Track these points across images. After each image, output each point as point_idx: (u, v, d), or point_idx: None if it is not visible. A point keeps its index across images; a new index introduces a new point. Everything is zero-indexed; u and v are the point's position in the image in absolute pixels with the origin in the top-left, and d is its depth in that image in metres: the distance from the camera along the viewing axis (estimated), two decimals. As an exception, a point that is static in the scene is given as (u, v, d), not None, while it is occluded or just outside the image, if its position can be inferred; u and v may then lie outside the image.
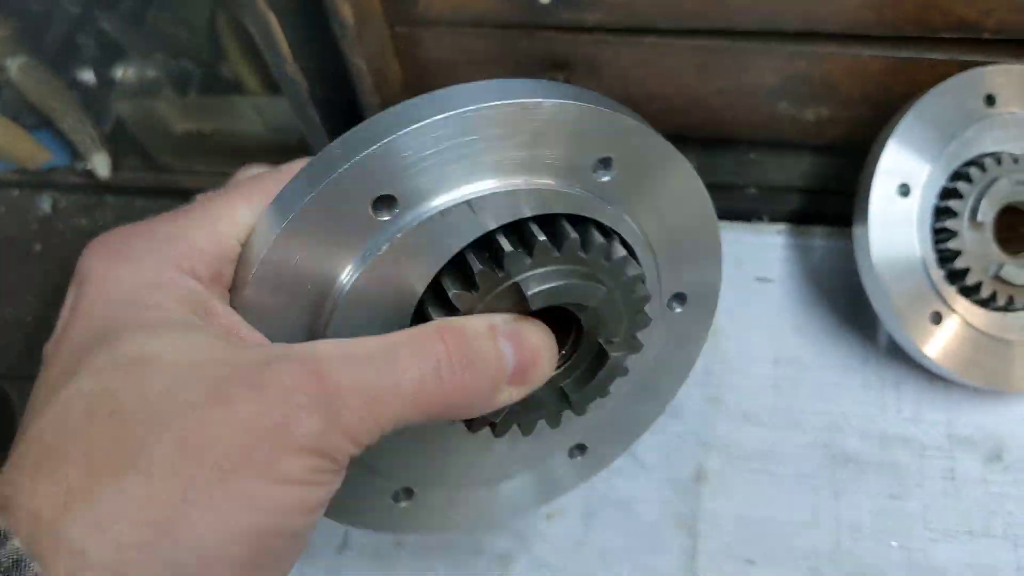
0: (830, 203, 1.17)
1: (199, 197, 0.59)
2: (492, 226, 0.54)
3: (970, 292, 0.95)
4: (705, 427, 1.02)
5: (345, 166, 0.50)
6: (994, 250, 0.94)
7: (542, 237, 0.54)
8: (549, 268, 0.53)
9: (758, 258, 1.15)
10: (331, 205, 0.51)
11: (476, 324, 0.50)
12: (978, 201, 0.94)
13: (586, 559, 0.94)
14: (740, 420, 1.02)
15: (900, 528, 0.94)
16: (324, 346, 0.46)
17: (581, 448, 0.76)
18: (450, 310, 0.53)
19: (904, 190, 0.96)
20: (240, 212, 0.54)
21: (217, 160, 1.31)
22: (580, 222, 0.58)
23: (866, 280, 0.98)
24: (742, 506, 0.97)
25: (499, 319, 0.52)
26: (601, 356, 0.60)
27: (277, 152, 1.29)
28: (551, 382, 0.59)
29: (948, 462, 0.98)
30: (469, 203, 0.53)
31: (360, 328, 0.52)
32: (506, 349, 0.50)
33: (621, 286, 0.58)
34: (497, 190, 0.54)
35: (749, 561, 0.94)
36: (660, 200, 0.63)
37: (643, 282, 0.61)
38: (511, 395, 0.51)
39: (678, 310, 0.71)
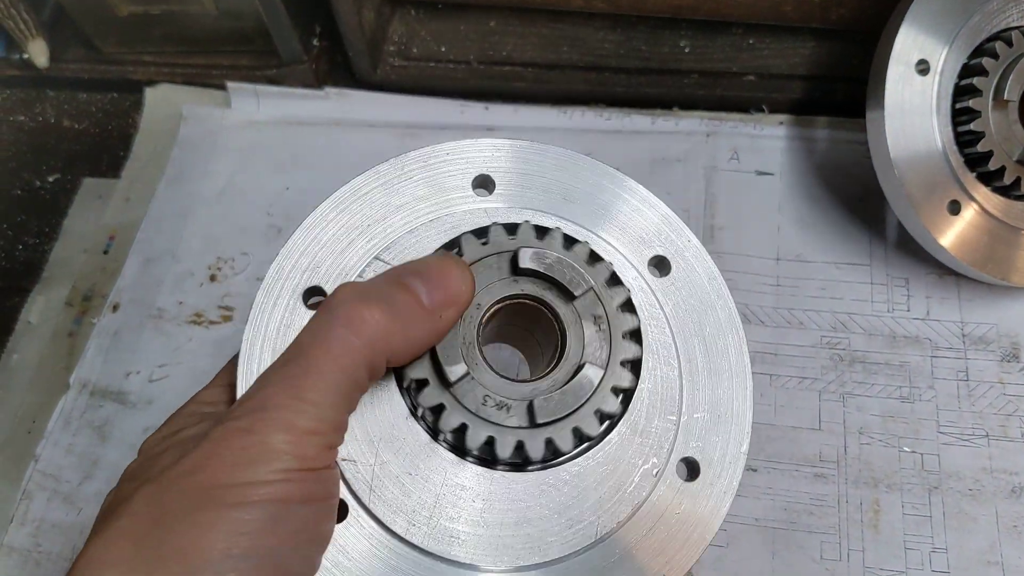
0: (835, 91, 1.09)
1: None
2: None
3: (992, 178, 0.88)
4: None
5: None
6: (1020, 132, 0.86)
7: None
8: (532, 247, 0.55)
9: (758, 150, 1.07)
10: None
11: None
12: (1004, 78, 0.86)
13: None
14: (740, 320, 0.94)
15: (911, 432, 0.88)
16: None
17: None
18: None
19: (923, 67, 0.87)
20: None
21: (166, 48, 1.20)
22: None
23: (879, 168, 0.90)
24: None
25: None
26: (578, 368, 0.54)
27: (233, 40, 1.18)
28: (523, 396, 0.53)
29: (961, 362, 0.91)
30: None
31: None
32: (416, 284, 0.52)
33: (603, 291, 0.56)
34: None
35: (751, 469, 0.87)
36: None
37: (632, 310, 0.58)
38: (447, 315, 0.53)
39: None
